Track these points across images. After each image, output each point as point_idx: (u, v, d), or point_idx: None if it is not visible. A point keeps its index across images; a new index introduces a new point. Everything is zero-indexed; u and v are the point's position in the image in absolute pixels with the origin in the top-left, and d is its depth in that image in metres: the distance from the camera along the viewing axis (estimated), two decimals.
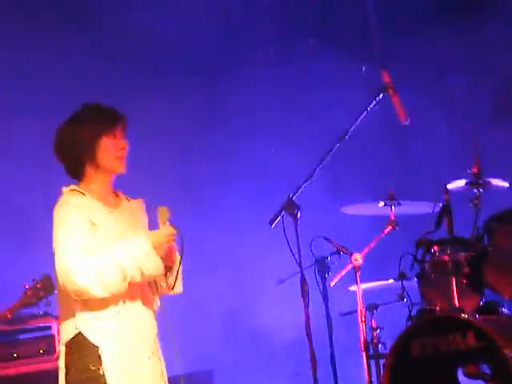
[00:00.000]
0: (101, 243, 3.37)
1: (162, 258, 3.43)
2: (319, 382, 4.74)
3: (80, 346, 3.37)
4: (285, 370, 6.14)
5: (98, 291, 3.31)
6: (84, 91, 5.62)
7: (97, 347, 3.36)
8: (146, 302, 3.53)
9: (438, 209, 5.03)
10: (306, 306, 4.77)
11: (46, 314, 5.00)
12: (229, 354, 6.18)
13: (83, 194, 3.48)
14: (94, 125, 3.52)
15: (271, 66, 6.65)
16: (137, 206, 3.65)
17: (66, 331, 3.43)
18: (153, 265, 3.40)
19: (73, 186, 3.52)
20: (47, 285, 4.68)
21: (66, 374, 3.39)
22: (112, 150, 3.54)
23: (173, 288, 3.60)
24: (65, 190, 3.52)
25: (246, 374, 6.13)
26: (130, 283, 3.39)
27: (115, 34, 6.16)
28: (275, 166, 6.42)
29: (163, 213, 3.45)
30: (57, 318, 4.85)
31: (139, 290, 3.50)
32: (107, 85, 5.98)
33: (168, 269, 3.53)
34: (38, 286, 4.68)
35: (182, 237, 3.46)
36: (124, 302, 3.44)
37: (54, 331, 4.97)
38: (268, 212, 4.79)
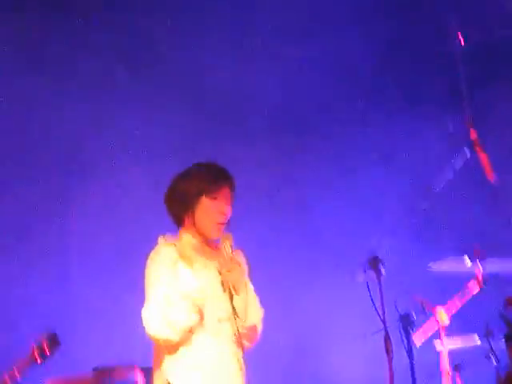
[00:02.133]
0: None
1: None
2: None
3: None
4: None
5: (167, 332, 3.34)
6: None
7: None
8: (233, 352, 3.54)
9: None
10: (390, 361, 4.81)
11: (130, 366, 5.11)
12: None
13: (174, 245, 3.55)
14: (197, 182, 3.54)
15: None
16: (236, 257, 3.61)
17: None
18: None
19: (168, 237, 3.58)
20: (54, 343, 4.73)
21: None
22: (211, 213, 3.54)
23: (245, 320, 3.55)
24: (160, 240, 3.58)
25: None
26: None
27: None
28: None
29: (227, 240, 3.52)
30: (142, 369, 5.02)
31: (224, 338, 3.52)
32: None
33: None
34: (45, 344, 4.73)
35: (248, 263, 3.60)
36: (209, 352, 3.47)
37: (139, 382, 5.05)
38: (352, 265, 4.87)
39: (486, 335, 5.14)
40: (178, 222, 3.60)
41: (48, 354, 4.58)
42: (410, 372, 5.08)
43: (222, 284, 3.49)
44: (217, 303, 3.49)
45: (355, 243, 6.19)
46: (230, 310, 3.48)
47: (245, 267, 3.60)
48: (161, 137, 6.17)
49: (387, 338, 4.85)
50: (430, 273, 5.57)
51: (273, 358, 6.14)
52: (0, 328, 5.80)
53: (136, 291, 3.59)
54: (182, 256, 3.51)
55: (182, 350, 3.44)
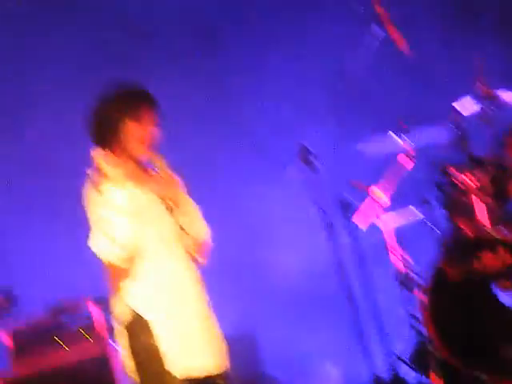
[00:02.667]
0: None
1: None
2: (359, 319, 4.90)
3: (133, 324, 3.43)
4: (328, 314, 6.25)
5: (115, 249, 3.34)
6: None
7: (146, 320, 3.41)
8: (188, 268, 3.53)
9: (451, 132, 5.10)
10: (336, 248, 4.94)
11: (84, 298, 5.14)
12: (267, 312, 6.28)
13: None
14: (119, 105, 3.46)
15: None
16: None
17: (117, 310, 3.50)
18: None
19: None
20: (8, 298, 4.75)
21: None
22: (137, 135, 3.47)
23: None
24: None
25: (287, 328, 6.24)
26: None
27: None
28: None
29: (159, 159, 3.50)
30: (97, 301, 5.05)
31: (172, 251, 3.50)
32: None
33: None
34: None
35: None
36: (165, 271, 3.46)
37: (95, 317, 5.09)
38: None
39: (422, 202, 5.26)
40: (106, 149, 3.51)
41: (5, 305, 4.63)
42: (356, 255, 5.20)
43: (163, 202, 3.48)
44: (162, 224, 3.49)
45: (283, 138, 6.25)
46: (177, 227, 3.50)
47: (181, 182, 3.58)
48: None
49: (329, 225, 4.97)
50: (360, 155, 5.65)
51: (224, 265, 6.26)
52: None
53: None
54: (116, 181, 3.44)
55: (137, 273, 3.45)
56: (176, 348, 3.39)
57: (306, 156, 4.98)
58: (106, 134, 3.47)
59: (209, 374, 3.45)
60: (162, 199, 3.50)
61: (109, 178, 3.41)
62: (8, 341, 5.08)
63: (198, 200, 3.61)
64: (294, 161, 5.03)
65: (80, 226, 3.39)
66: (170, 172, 3.52)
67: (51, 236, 5.97)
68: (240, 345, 5.55)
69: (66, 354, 5.09)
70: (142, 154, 3.50)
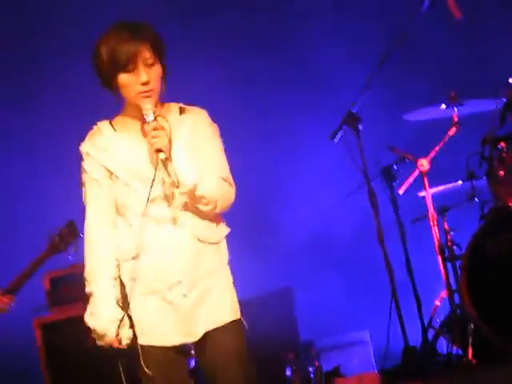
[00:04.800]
0: None
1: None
2: (397, 289, 4.95)
3: None
4: (363, 280, 6.31)
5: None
6: None
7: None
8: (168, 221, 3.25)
9: (501, 105, 5.09)
10: (377, 215, 4.97)
11: None
12: (304, 273, 6.36)
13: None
14: (106, 59, 3.21)
15: None
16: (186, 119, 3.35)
17: None
18: None
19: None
20: (73, 230, 4.84)
21: None
22: (130, 87, 3.22)
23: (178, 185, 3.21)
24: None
25: (323, 291, 6.32)
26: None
27: None
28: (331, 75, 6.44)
29: (147, 105, 3.23)
30: None
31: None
32: None
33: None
34: (64, 231, 4.84)
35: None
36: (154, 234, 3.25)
37: None
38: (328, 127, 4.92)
39: (468, 176, 5.28)
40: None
41: (69, 241, 4.75)
42: (396, 223, 5.23)
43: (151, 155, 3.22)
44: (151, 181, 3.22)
45: (327, 98, 6.26)
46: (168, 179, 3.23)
47: (170, 130, 3.25)
48: None
49: (371, 193, 4.99)
50: (407, 123, 5.66)
51: (263, 223, 6.34)
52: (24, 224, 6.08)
53: None
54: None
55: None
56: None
57: (351, 120, 5.00)
58: (111, 91, 3.31)
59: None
60: (149, 149, 3.23)
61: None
62: (46, 284, 5.22)
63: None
64: (339, 124, 5.05)
65: None
66: (160, 119, 3.24)
67: None
68: (277, 302, 5.65)
69: None
70: (140, 103, 3.23)
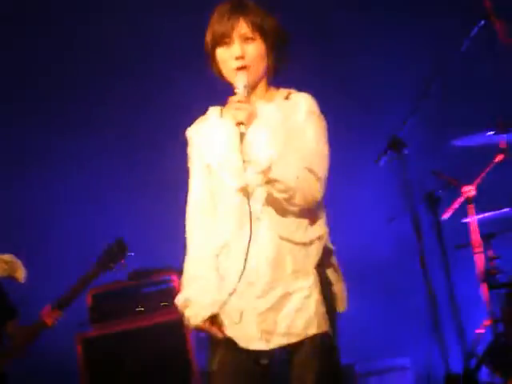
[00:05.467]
0: None
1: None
2: (439, 316, 4.92)
3: None
4: (404, 305, 6.27)
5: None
6: None
7: None
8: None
9: None
10: (420, 240, 4.95)
11: (167, 267, 5.29)
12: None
13: None
14: (207, 34, 3.10)
15: None
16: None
17: None
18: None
19: None
20: (122, 247, 4.89)
21: None
22: (225, 62, 3.09)
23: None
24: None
25: (364, 311, 6.29)
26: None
27: None
28: (375, 102, 6.44)
29: (238, 79, 3.05)
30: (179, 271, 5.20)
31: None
32: None
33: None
34: (114, 249, 4.86)
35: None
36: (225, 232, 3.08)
37: (176, 284, 5.22)
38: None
39: None
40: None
41: (119, 259, 4.82)
42: (440, 249, 5.21)
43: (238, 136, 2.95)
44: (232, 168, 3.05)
45: (373, 122, 6.26)
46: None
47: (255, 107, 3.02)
48: None
49: (415, 218, 4.97)
50: (453, 148, 5.64)
51: None
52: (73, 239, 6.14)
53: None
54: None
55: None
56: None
57: (396, 144, 5.01)
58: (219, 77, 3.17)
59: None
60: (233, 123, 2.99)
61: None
62: (89, 300, 5.28)
63: None
64: (384, 148, 5.06)
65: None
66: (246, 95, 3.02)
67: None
68: None
69: (144, 317, 5.26)
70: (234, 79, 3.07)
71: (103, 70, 6.39)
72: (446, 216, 5.28)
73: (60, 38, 6.34)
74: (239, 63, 3.04)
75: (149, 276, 5.35)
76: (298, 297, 2.99)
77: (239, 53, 3.04)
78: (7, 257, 4.46)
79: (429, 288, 4.92)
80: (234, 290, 2.99)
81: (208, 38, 3.11)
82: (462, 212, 5.33)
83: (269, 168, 2.92)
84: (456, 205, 5.33)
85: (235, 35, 3.05)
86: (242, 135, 2.93)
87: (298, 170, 2.96)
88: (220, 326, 3.06)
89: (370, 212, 6.30)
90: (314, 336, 3.00)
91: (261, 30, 3.07)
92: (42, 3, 6.38)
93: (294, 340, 2.98)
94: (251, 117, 2.95)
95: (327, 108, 3.10)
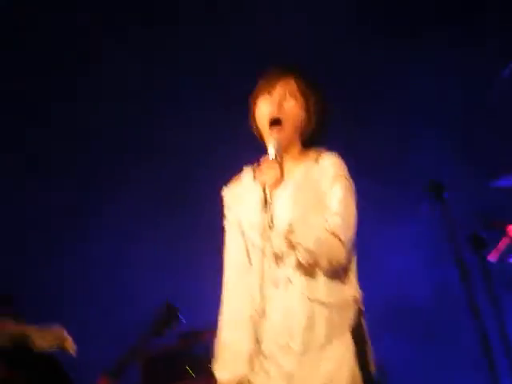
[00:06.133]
0: None
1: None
2: (491, 358, 4.84)
3: None
4: (451, 350, 6.19)
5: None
6: None
7: None
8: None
9: None
10: (469, 286, 4.88)
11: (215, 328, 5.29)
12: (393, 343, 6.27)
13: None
14: (257, 86, 3.21)
15: None
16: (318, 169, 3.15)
17: None
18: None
19: None
20: (172, 312, 4.91)
21: None
22: (260, 118, 3.15)
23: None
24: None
25: (414, 363, 6.22)
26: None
27: None
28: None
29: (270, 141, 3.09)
30: None
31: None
32: None
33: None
34: (164, 315, 4.90)
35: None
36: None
37: None
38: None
39: None
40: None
41: (169, 324, 4.84)
42: (488, 292, 5.14)
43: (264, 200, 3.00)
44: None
45: (412, 171, 6.22)
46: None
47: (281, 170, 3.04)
48: None
49: (461, 262, 4.91)
50: (496, 189, 5.58)
51: None
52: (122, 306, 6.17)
53: None
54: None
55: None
56: None
57: (437, 190, 4.97)
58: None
59: None
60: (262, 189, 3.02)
61: None
62: (140, 366, 5.29)
63: None
64: (425, 194, 5.03)
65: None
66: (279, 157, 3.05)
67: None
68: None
69: (194, 381, 5.26)
70: (268, 138, 3.11)
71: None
72: (492, 258, 5.22)
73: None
74: (275, 115, 3.08)
75: (197, 337, 5.35)
76: (331, 363, 2.97)
77: (277, 102, 3.08)
78: (56, 329, 4.49)
79: (482, 334, 4.84)
80: (267, 353, 3.00)
81: (254, 90, 3.18)
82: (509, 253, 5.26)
83: (290, 232, 2.95)
84: (502, 246, 5.26)
85: (278, 91, 3.11)
86: (266, 199, 2.96)
87: (319, 233, 2.96)
88: None
89: (416, 259, 6.25)
90: None
91: (304, 92, 3.15)
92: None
93: None
94: (278, 181, 2.98)
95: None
